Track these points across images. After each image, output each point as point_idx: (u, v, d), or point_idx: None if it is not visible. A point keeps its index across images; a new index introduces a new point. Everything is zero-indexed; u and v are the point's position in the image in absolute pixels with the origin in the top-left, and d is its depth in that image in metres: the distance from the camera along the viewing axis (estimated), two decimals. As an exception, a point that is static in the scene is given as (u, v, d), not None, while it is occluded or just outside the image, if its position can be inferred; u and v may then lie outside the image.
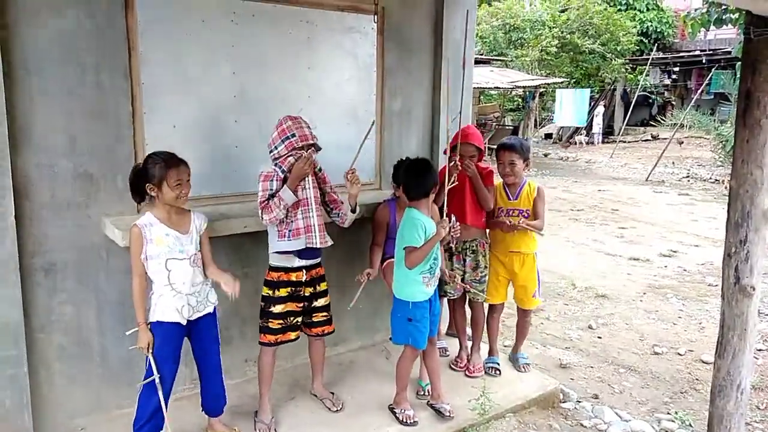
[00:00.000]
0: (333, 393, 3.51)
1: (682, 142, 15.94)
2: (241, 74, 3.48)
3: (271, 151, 3.07)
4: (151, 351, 2.76)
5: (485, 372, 3.92)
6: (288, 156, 3.02)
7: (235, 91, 3.47)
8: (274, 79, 3.61)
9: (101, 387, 3.26)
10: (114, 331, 3.23)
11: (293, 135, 3.01)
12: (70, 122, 2.97)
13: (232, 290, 2.82)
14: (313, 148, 3.06)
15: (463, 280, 3.83)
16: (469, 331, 4.12)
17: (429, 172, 3.21)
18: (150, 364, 2.76)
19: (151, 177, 2.70)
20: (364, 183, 4.00)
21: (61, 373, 3.14)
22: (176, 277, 2.79)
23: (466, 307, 4.08)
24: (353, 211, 3.30)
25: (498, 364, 3.97)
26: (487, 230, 3.92)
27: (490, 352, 4.06)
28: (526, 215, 3.76)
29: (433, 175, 3.22)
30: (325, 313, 3.35)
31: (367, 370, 3.93)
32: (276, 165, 3.06)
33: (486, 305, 4.01)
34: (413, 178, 3.21)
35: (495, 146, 3.86)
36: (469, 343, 4.05)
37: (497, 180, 3.85)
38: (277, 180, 3.03)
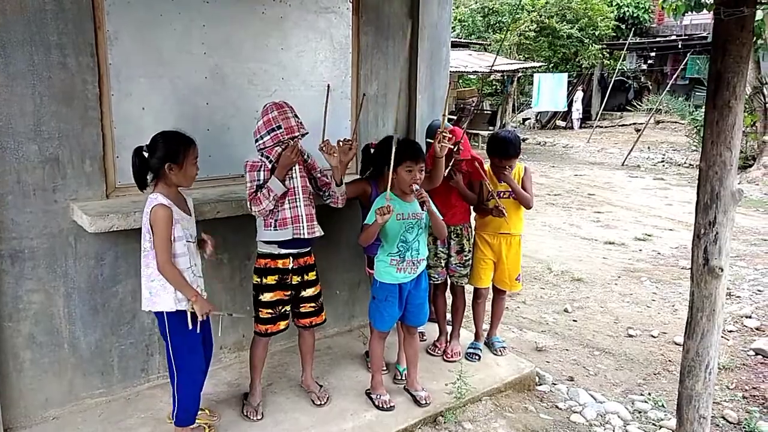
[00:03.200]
0: (321, 386, 3.46)
1: (639, 130, 16.07)
2: (213, 55, 3.40)
3: (256, 141, 2.98)
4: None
5: (466, 357, 3.93)
6: (274, 146, 2.96)
7: (206, 72, 3.39)
8: (247, 59, 3.53)
9: (73, 376, 3.20)
10: (84, 318, 3.17)
11: (279, 127, 2.94)
12: (35, 104, 2.87)
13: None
14: (299, 137, 2.99)
15: (447, 264, 3.82)
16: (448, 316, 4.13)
17: (384, 151, 3.11)
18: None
19: (173, 155, 2.63)
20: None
21: (31, 363, 3.07)
22: (195, 260, 2.77)
23: (448, 292, 4.08)
24: (338, 185, 3.17)
25: (480, 350, 3.98)
26: (473, 214, 3.93)
27: (476, 337, 4.07)
28: (514, 196, 3.81)
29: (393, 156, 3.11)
30: (313, 304, 3.26)
31: (344, 356, 3.92)
32: (262, 155, 2.98)
33: (469, 290, 4.02)
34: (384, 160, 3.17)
35: (474, 131, 3.83)
36: (449, 328, 4.06)
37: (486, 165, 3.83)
38: (264, 170, 2.97)
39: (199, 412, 3.07)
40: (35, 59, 2.85)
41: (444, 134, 3.16)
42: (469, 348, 3.99)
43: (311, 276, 3.23)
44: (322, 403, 3.33)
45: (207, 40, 3.36)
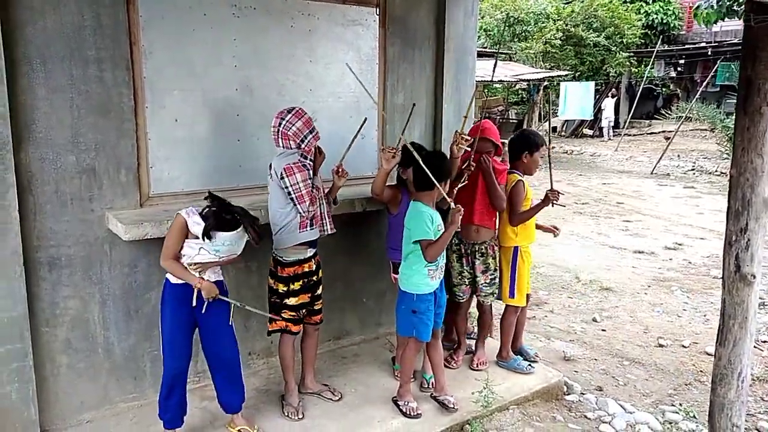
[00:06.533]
0: (327, 384, 3.55)
1: (668, 138, 15.77)
2: (243, 68, 3.48)
3: (301, 142, 3.04)
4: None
5: (525, 373, 3.86)
6: (311, 148, 3.09)
7: (237, 84, 3.47)
8: (276, 72, 3.61)
9: (107, 381, 3.28)
10: (118, 324, 3.25)
11: (314, 129, 3.10)
12: (73, 117, 2.98)
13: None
14: None
15: (471, 283, 3.77)
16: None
17: (439, 166, 3.16)
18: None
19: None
20: (366, 176, 4.02)
21: (67, 367, 3.16)
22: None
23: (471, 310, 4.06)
24: (335, 203, 3.36)
25: (528, 362, 3.95)
26: (516, 227, 3.76)
27: (509, 354, 3.95)
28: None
29: (443, 171, 3.17)
30: (321, 301, 3.39)
31: (371, 363, 3.93)
32: (301, 155, 3.05)
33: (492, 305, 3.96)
34: (422, 170, 3.20)
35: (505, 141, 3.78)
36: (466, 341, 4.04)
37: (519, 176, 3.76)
38: (310, 169, 3.07)
39: (245, 429, 3.10)
40: (74, 73, 2.96)
41: (463, 136, 3.31)
42: (517, 366, 3.88)
43: (320, 273, 3.35)
44: (339, 397, 3.46)
45: (237, 53, 3.44)
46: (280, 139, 3.06)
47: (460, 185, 3.30)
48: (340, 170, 3.27)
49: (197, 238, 2.70)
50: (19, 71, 2.82)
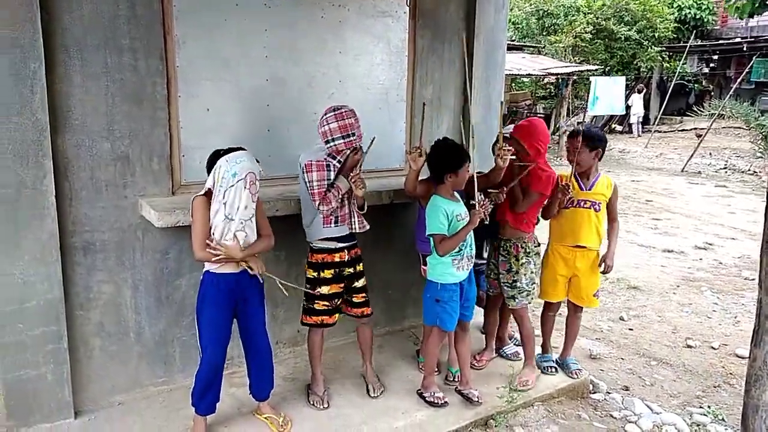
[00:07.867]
0: (378, 379, 3.54)
1: (700, 135, 15.32)
2: (274, 58, 3.50)
3: (327, 142, 3.03)
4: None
5: (543, 371, 3.78)
6: (345, 149, 3.05)
7: (267, 75, 3.50)
8: (306, 63, 3.62)
9: (138, 364, 3.34)
10: (149, 310, 3.31)
11: (353, 134, 3.05)
12: (108, 105, 3.03)
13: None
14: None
15: (497, 278, 3.68)
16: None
17: (450, 156, 3.14)
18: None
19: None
20: (394, 169, 4.02)
21: (100, 350, 3.23)
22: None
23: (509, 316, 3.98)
24: (360, 209, 3.26)
25: (553, 362, 3.85)
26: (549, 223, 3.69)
27: (544, 350, 3.89)
28: (597, 209, 3.57)
29: (455, 160, 3.13)
30: (363, 294, 3.37)
31: (396, 355, 3.95)
32: (329, 155, 3.06)
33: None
34: (433, 161, 3.19)
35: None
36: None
37: (563, 171, 3.61)
38: (333, 170, 3.06)
39: (272, 417, 3.13)
40: (109, 62, 3.01)
41: (504, 148, 3.23)
42: (542, 362, 3.83)
43: (360, 267, 3.34)
44: (377, 395, 3.42)
45: (268, 44, 3.46)
46: (318, 132, 3.10)
47: (494, 199, 3.26)
48: (355, 179, 3.11)
49: (218, 200, 2.72)
50: (56, 59, 2.87)
